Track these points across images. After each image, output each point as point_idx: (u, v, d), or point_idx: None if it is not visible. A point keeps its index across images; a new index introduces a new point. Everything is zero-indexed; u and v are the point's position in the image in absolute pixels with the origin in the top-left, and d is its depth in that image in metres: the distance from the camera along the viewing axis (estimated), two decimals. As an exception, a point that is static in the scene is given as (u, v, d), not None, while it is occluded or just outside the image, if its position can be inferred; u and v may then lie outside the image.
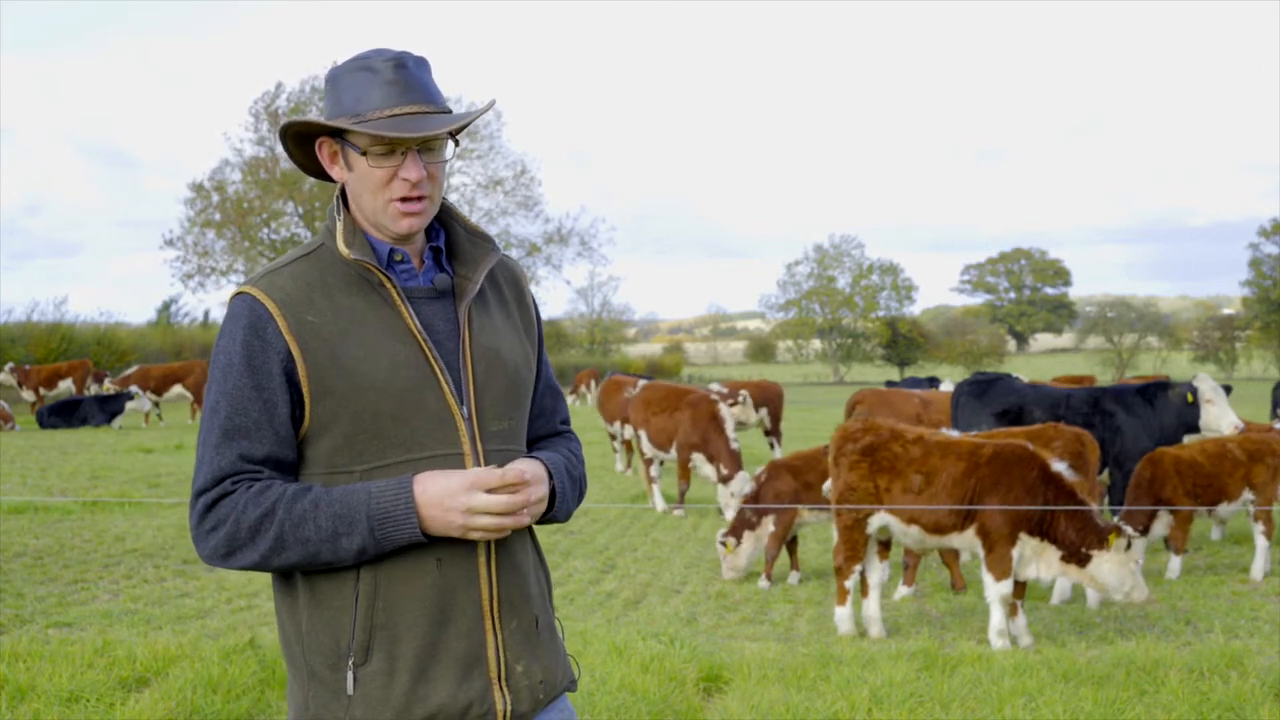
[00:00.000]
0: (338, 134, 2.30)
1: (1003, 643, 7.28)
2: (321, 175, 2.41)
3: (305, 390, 2.23)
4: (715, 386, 17.76)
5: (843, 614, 7.85)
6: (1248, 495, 9.51)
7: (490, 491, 2.20)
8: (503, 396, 2.36)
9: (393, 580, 2.22)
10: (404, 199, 2.28)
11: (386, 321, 2.27)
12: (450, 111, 2.33)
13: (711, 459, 12.58)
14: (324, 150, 2.35)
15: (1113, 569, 7.22)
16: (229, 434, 2.22)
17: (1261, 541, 9.44)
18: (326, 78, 2.33)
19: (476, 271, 2.39)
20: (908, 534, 7.69)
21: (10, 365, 29.36)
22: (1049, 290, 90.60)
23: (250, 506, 2.18)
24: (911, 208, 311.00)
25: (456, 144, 2.40)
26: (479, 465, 2.27)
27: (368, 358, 2.23)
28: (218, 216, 45.63)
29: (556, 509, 2.40)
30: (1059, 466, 7.46)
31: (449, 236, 2.44)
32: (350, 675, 2.21)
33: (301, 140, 2.38)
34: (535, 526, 2.44)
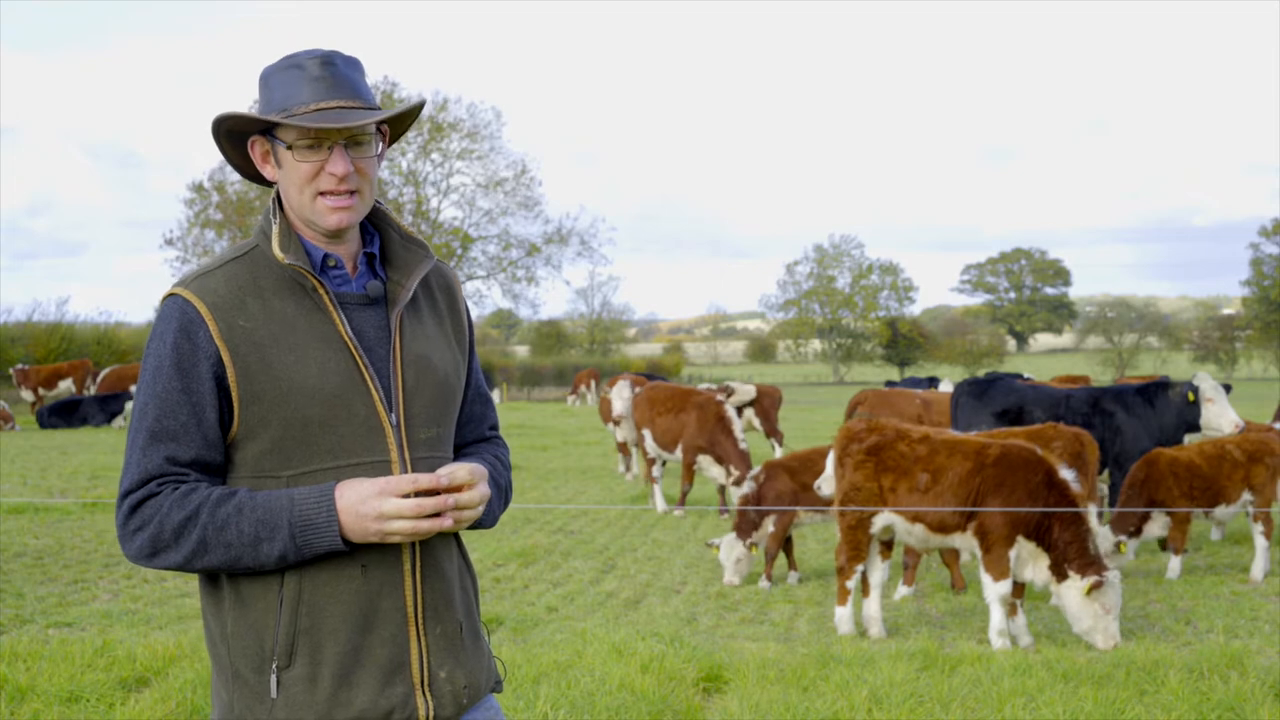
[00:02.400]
0: (268, 132, 2.31)
1: (1003, 642, 7.29)
2: (260, 179, 2.41)
3: (234, 395, 2.23)
4: (705, 387, 17.80)
5: (843, 614, 7.85)
6: (1247, 496, 9.50)
7: (406, 496, 2.20)
8: (431, 404, 2.37)
9: (317, 585, 2.23)
10: (331, 193, 2.28)
11: (318, 327, 2.28)
12: (380, 110, 2.33)
13: (720, 460, 12.55)
14: (256, 150, 2.35)
15: (1073, 598, 7.23)
16: (156, 436, 2.22)
17: (1261, 542, 9.44)
18: (259, 77, 2.34)
19: (409, 278, 2.39)
20: (912, 532, 7.70)
21: (19, 366, 29.41)
22: (1049, 290, 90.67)
23: (174, 509, 2.18)
24: (913, 207, 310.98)
25: (385, 139, 2.39)
26: (405, 473, 2.28)
27: (298, 363, 2.24)
28: (218, 216, 45.64)
29: (483, 516, 2.40)
30: (1066, 474, 7.45)
31: (383, 242, 2.44)
32: (274, 678, 2.22)
33: (238, 143, 2.38)
34: (461, 532, 2.44)
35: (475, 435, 2.61)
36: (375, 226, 2.45)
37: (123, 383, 28.01)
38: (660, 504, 13.49)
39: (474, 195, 49.86)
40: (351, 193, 2.29)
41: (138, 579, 9.29)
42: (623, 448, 16.70)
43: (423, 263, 2.42)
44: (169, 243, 46.22)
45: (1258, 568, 9.43)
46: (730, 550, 9.42)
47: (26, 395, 29.06)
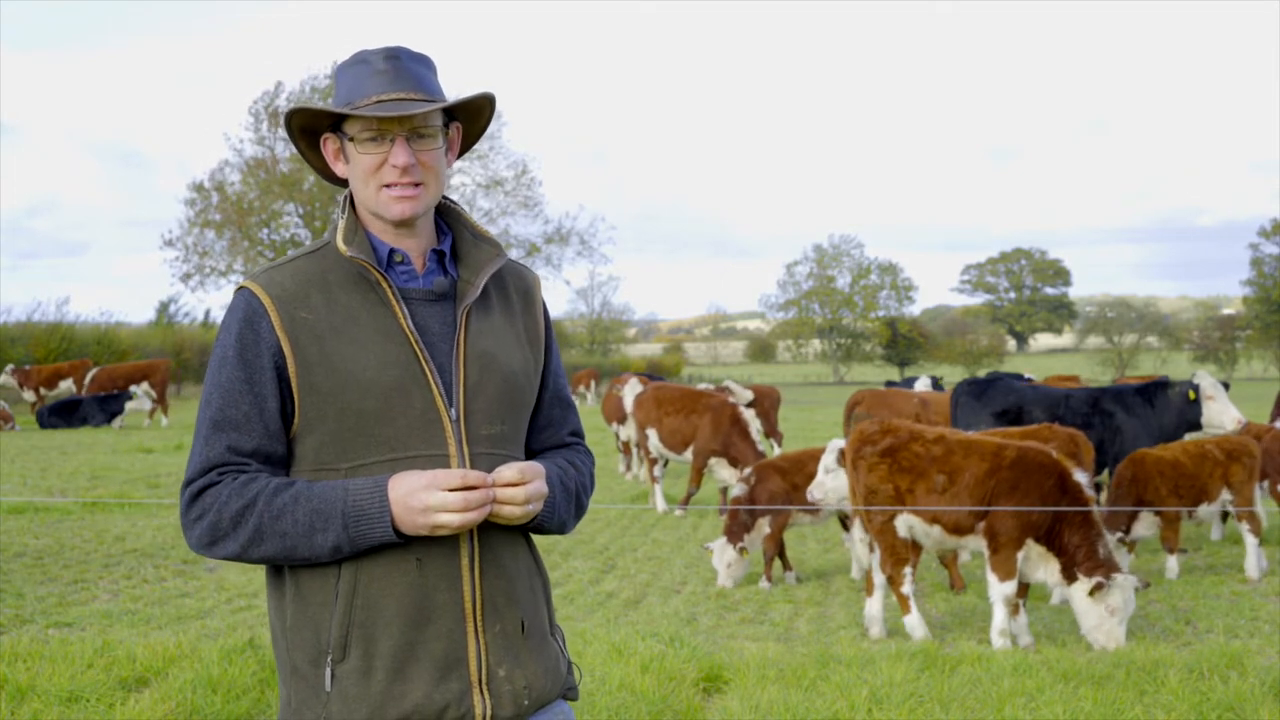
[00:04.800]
0: (337, 128, 2.35)
1: (1004, 642, 7.29)
2: (337, 179, 2.45)
3: (294, 386, 2.25)
4: (704, 386, 17.79)
5: (911, 622, 7.73)
6: (1226, 495, 9.55)
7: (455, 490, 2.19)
8: (496, 401, 2.35)
9: (372, 578, 2.23)
10: (395, 184, 2.30)
11: (379, 320, 2.29)
12: (439, 100, 2.35)
13: (735, 463, 12.47)
14: (328, 148, 2.39)
15: (1081, 598, 7.23)
16: (219, 425, 2.25)
17: (1251, 540, 9.46)
18: (332, 75, 2.39)
19: (479, 275, 2.39)
20: (930, 535, 7.67)
21: (10, 367, 29.37)
22: (1049, 290, 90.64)
23: (233, 498, 2.21)
24: (913, 207, 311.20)
25: (456, 135, 2.42)
26: (464, 468, 2.27)
27: (356, 355, 2.25)
28: (217, 217, 45.56)
29: (547, 520, 2.38)
30: (1080, 478, 7.43)
31: (455, 240, 2.46)
32: (328, 672, 2.23)
33: (313, 145, 2.43)
34: (534, 536, 2.42)
35: (554, 440, 2.57)
36: (448, 224, 2.47)
37: (114, 382, 27.99)
38: (660, 504, 13.46)
39: (474, 195, 49.84)
40: (416, 184, 2.31)
41: (137, 579, 9.29)
42: (626, 447, 16.67)
43: (493, 260, 2.42)
44: (168, 244, 46.14)
45: (1251, 565, 9.44)
46: (721, 555, 9.39)
47: (28, 395, 29.05)
